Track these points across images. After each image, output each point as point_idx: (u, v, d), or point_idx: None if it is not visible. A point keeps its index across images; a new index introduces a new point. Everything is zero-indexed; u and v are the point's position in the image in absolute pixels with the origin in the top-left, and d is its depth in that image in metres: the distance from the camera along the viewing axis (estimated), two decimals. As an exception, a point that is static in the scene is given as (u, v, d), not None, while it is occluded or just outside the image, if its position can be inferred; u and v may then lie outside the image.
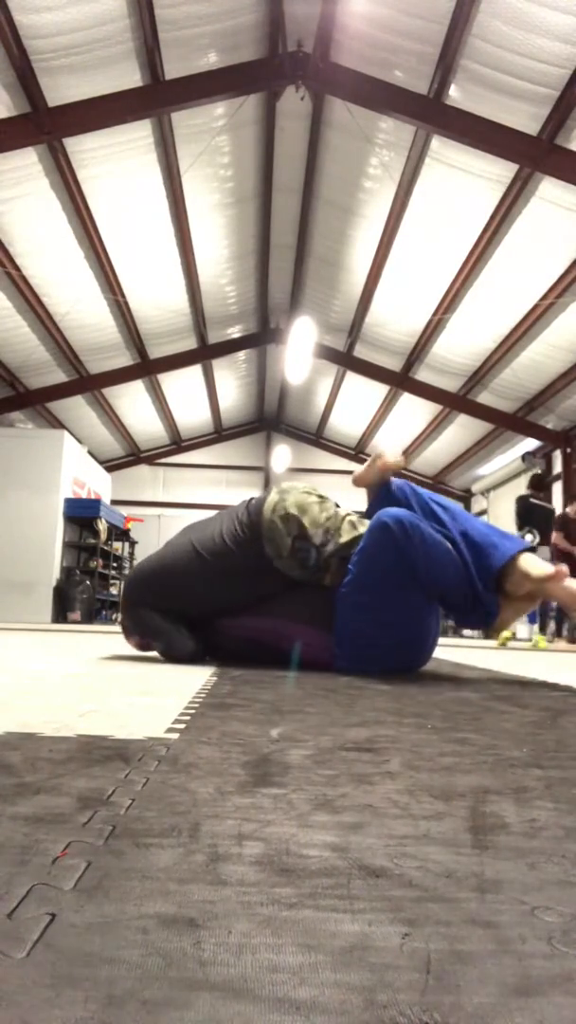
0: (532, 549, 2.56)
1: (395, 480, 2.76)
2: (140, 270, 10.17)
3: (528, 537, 8.91)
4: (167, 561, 2.80)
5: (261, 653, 2.80)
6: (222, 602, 2.80)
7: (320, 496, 2.76)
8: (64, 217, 8.65)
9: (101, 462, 15.17)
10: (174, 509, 18.10)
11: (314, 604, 2.66)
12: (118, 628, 8.24)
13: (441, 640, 2.74)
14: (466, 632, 12.80)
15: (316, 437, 18.69)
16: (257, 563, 2.64)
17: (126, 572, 14.35)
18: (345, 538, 2.60)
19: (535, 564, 2.48)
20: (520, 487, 15.21)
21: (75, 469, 11.98)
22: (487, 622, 2.62)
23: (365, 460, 12.22)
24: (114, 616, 12.57)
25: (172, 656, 2.85)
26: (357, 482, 2.88)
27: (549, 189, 7.69)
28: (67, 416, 14.17)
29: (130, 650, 3.67)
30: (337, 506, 2.76)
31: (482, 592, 2.50)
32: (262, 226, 10.50)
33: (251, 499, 2.82)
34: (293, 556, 2.60)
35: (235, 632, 2.84)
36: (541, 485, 8.72)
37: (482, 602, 2.52)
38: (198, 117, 7.90)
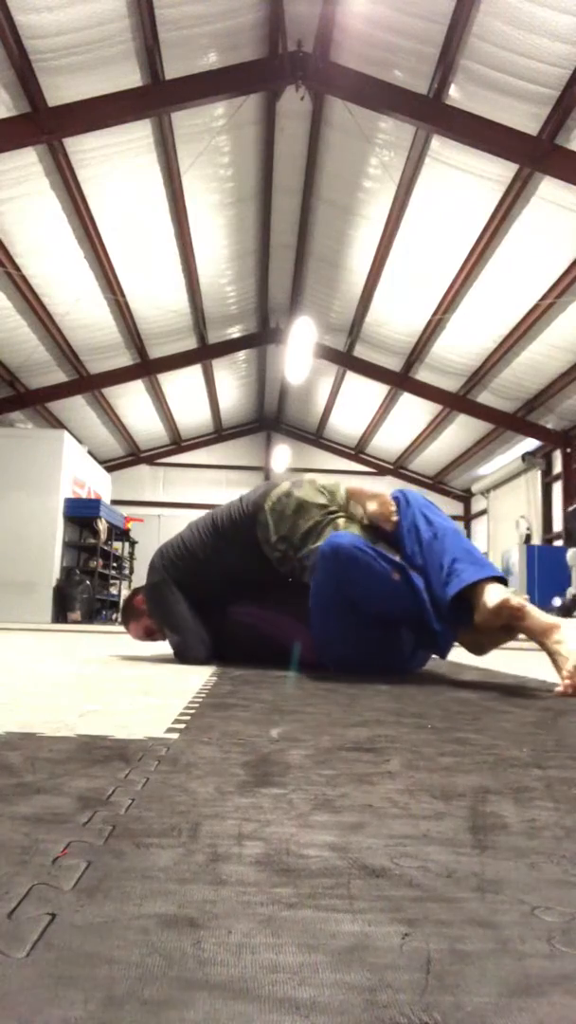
0: (503, 580, 2.29)
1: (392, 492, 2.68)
2: (140, 270, 10.16)
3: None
4: (186, 533, 2.97)
5: (265, 648, 2.80)
6: (223, 572, 2.85)
7: (331, 493, 2.73)
8: (64, 217, 8.65)
9: (101, 462, 15.16)
10: (174, 509, 18.09)
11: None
12: (119, 628, 8.24)
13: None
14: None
15: (316, 437, 18.69)
16: (248, 540, 2.75)
17: (126, 572, 14.34)
18: (321, 542, 2.56)
19: (493, 594, 2.21)
20: (520, 487, 15.26)
21: (75, 469, 11.97)
22: (439, 653, 2.55)
23: (365, 460, 12.09)
24: (114, 616, 12.56)
25: (183, 656, 2.84)
26: (352, 494, 2.72)
27: (549, 189, 7.68)
28: (67, 416, 14.17)
29: (130, 650, 3.66)
30: (335, 510, 2.68)
31: (435, 624, 2.37)
32: (262, 226, 10.49)
33: (269, 481, 2.94)
34: (274, 549, 2.70)
35: (242, 619, 2.87)
36: None
37: (433, 633, 2.42)
38: (198, 117, 7.90)
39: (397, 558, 2.45)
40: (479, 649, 2.50)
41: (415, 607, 2.39)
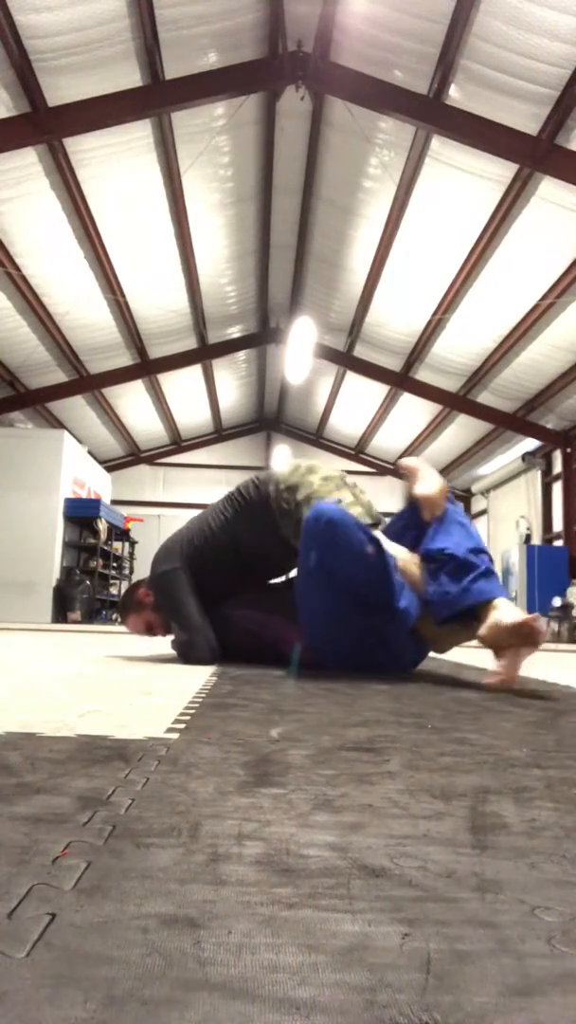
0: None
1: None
2: (140, 270, 10.16)
3: None
4: (196, 518, 3.07)
5: (266, 652, 2.79)
6: (233, 547, 2.88)
7: (342, 475, 2.82)
8: (64, 217, 8.65)
9: (101, 462, 15.16)
10: (174, 509, 18.08)
11: None
12: (119, 628, 8.23)
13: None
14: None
15: (316, 437, 18.69)
16: (262, 501, 2.83)
17: (126, 572, 14.33)
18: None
19: (510, 612, 2.24)
20: (520, 487, 15.26)
21: (75, 469, 11.97)
22: (395, 631, 2.53)
23: (365, 460, 12.13)
24: (114, 616, 12.56)
25: (186, 656, 2.81)
26: (408, 469, 2.73)
27: (549, 189, 7.68)
28: (67, 416, 14.17)
29: (130, 650, 3.66)
30: (341, 495, 2.70)
31: (399, 601, 2.40)
32: (262, 226, 10.49)
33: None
34: (281, 499, 2.78)
35: (245, 624, 2.87)
36: None
37: (393, 611, 2.42)
38: (198, 117, 7.89)
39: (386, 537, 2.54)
40: (440, 648, 2.61)
41: (382, 583, 2.42)
